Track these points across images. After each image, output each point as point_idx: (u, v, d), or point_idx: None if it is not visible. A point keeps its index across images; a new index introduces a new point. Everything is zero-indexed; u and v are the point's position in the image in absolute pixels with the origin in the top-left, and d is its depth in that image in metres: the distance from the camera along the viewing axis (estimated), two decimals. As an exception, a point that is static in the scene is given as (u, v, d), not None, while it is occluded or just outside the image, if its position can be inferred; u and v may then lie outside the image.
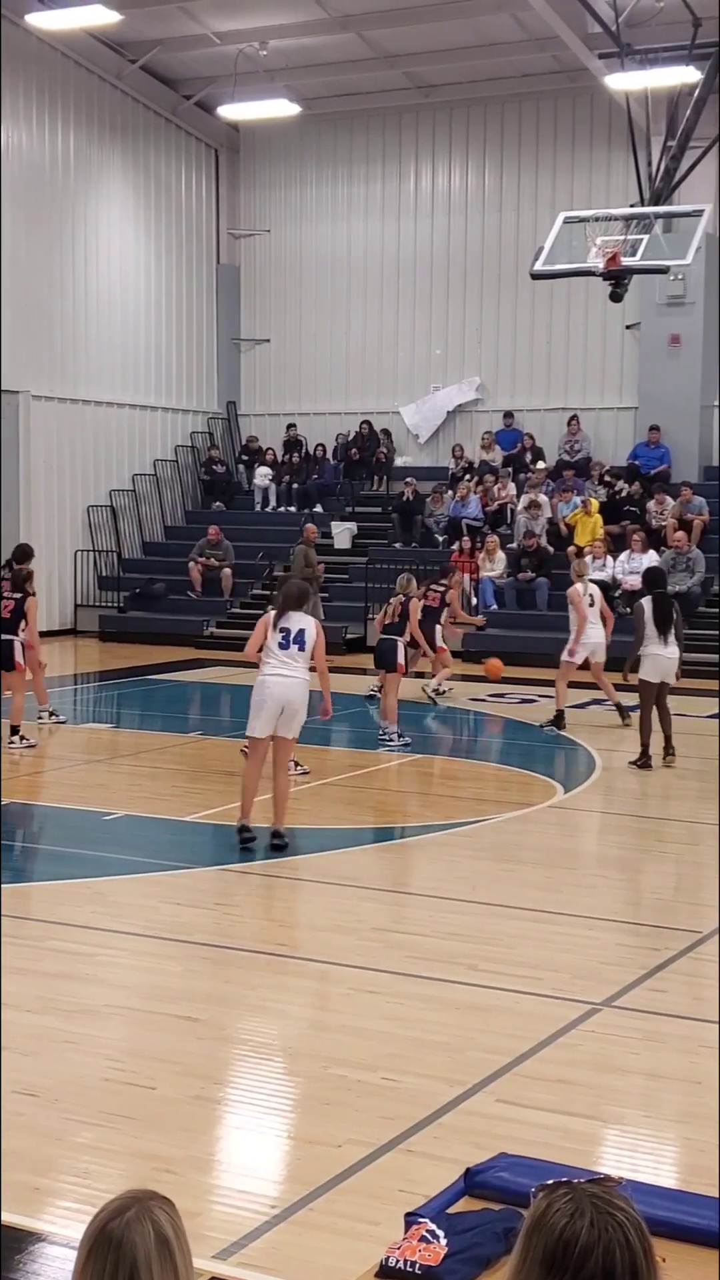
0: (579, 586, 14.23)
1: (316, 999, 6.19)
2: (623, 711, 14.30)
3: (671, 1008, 6.19)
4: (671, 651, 12.00)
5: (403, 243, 24.50)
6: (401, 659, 13.10)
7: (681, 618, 12.44)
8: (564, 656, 14.12)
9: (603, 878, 8.74)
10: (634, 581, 19.50)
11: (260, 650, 8.99)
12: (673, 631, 11.97)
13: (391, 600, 13.68)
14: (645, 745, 12.10)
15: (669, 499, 20.88)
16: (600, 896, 8.27)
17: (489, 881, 8.44)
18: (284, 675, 8.88)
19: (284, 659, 8.92)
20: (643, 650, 12.04)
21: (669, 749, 12.34)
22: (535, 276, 15.16)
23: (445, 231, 24.16)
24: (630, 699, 13.22)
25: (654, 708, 12.13)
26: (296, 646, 8.93)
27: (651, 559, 19.89)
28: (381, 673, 13.65)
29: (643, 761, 12.06)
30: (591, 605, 14.14)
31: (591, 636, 14.06)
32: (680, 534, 19.88)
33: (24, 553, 14.05)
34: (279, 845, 8.91)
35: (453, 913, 7.66)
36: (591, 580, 19.61)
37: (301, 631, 8.95)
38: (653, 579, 12.65)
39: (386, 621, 13.38)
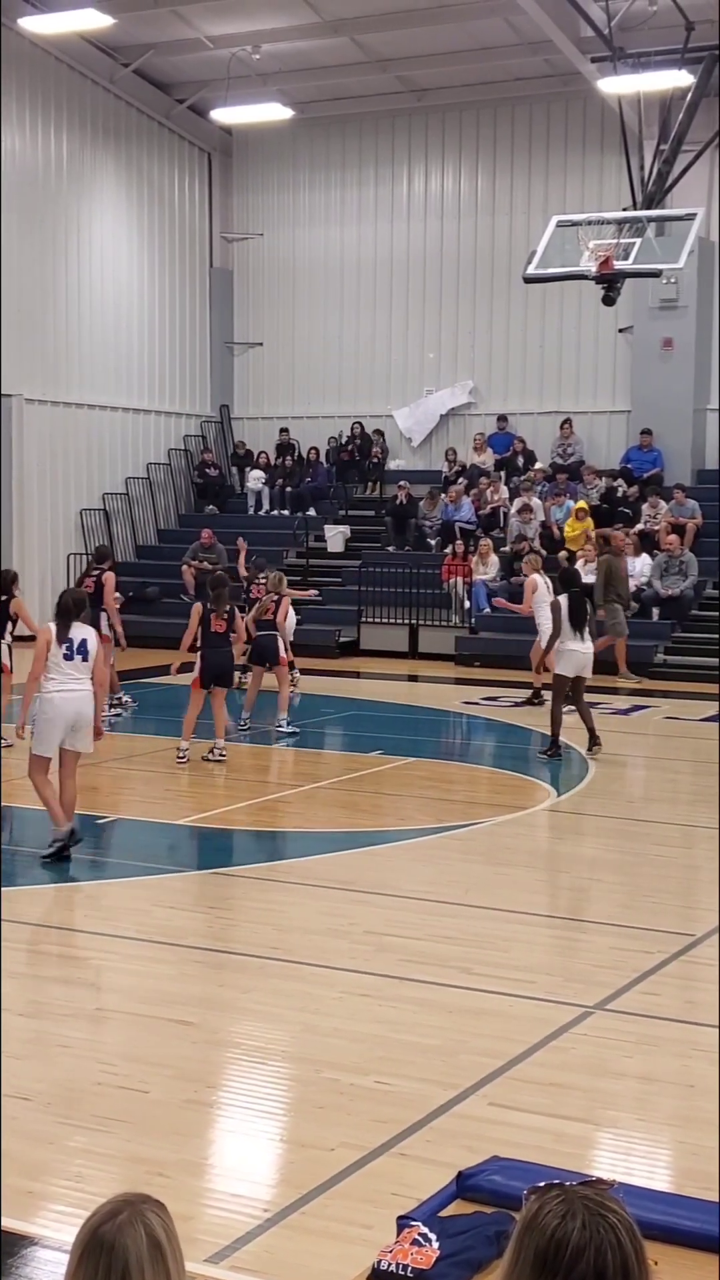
0: (536, 577, 15.28)
1: (309, 1003, 6.19)
2: (536, 694, 15.45)
3: (665, 1011, 6.19)
4: (586, 647, 12.46)
5: (395, 246, 24.53)
6: (284, 652, 13.46)
7: (592, 616, 12.90)
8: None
9: (596, 881, 8.75)
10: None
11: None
12: (587, 628, 12.48)
13: (264, 599, 13.88)
14: (555, 735, 12.57)
15: (662, 502, 20.91)
16: (593, 900, 8.27)
17: (482, 885, 8.45)
18: (72, 690, 8.58)
19: (69, 671, 8.59)
20: (559, 646, 12.42)
21: (594, 740, 12.64)
22: (528, 280, 15.18)
23: (438, 235, 24.18)
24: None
25: (565, 701, 12.54)
26: (80, 657, 8.62)
27: (645, 561, 19.94)
28: (256, 669, 14.00)
29: (553, 751, 12.51)
30: (550, 592, 14.79)
31: (579, 650, 14.47)
32: (673, 537, 19.92)
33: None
34: (67, 846, 8.62)
35: (445, 916, 7.66)
36: (585, 582, 19.78)
37: (84, 641, 8.65)
38: (568, 578, 13.27)
39: (264, 618, 13.63)
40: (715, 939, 7.32)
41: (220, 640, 12.29)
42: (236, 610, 12.50)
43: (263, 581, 14.53)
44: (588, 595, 13.37)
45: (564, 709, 12.55)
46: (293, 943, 7.18)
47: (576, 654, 12.33)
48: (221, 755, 12.16)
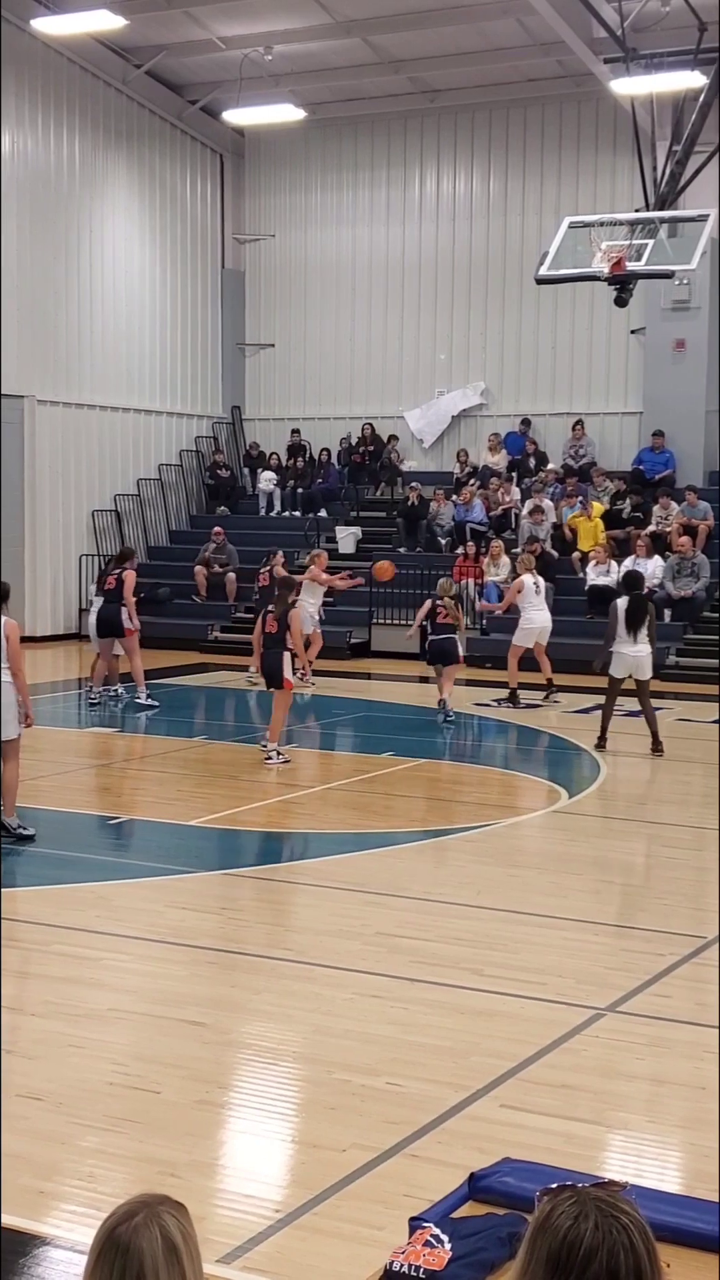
0: (526, 578, 16.07)
1: (320, 1004, 6.21)
2: (550, 689, 15.94)
3: (676, 1013, 6.19)
4: (638, 650, 12.57)
5: (407, 247, 24.53)
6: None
7: (654, 619, 13.04)
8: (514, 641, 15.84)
9: (607, 883, 8.75)
10: (639, 587, 19.51)
11: None
12: (644, 631, 12.56)
13: (446, 600, 14.16)
14: (603, 730, 12.94)
15: (673, 504, 20.89)
16: (604, 901, 8.28)
17: (493, 886, 8.46)
18: None
19: None
20: (613, 648, 12.59)
21: (656, 745, 12.75)
22: (540, 281, 15.19)
23: (450, 236, 24.19)
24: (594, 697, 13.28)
25: (615, 700, 12.89)
26: None
27: (657, 563, 19.91)
28: (437, 668, 14.57)
29: (599, 743, 12.89)
30: (537, 593, 16.07)
31: (536, 621, 15.92)
32: (685, 539, 19.89)
33: None
34: (21, 836, 8.92)
35: (456, 918, 7.68)
36: (596, 585, 19.82)
37: None
38: (631, 581, 13.35)
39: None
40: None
41: (271, 641, 12.36)
42: (289, 613, 12.32)
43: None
44: (650, 598, 13.49)
45: (614, 708, 12.90)
46: (304, 944, 7.20)
47: (626, 656, 12.50)
48: (272, 758, 12.08)
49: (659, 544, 20.38)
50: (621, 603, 12.61)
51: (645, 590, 13.37)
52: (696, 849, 9.81)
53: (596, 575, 19.96)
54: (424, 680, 18.84)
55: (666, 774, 12.41)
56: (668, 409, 21.76)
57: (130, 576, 15.42)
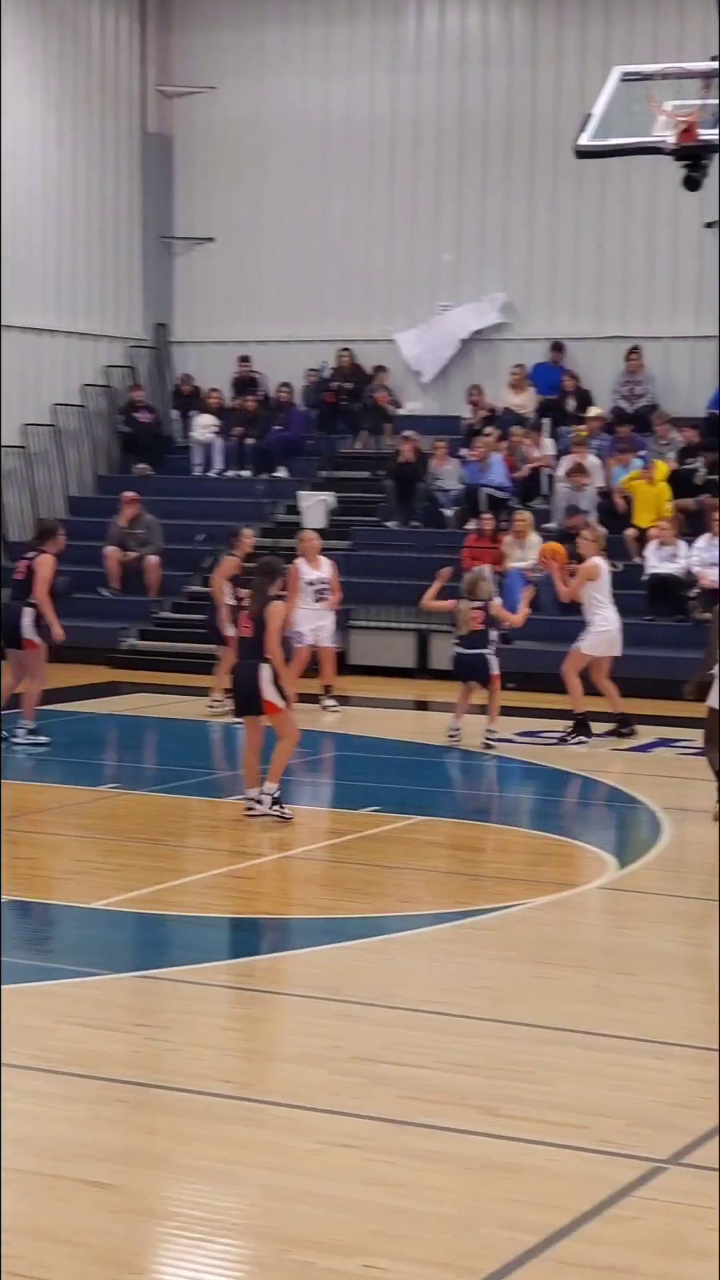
0: (600, 560, 16.15)
1: (275, 1156, 6.21)
2: (622, 724, 16.18)
3: (765, 1168, 6.23)
4: None
5: (399, 106, 24.62)
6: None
7: None
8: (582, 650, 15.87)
9: (673, 987, 8.78)
10: (715, 575, 19.60)
11: None
12: None
13: (462, 606, 14.06)
14: None
15: (766, 462, 21.00)
16: (669, 1013, 8.30)
17: (516, 991, 8.45)
18: None
19: None
20: (717, 670, 12.29)
21: None
22: (582, 154, 15.21)
23: (457, 90, 24.29)
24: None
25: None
26: None
27: (743, 545, 20.01)
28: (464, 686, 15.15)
29: None
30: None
31: (613, 622, 16.12)
32: (781, 511, 20.00)
33: None
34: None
35: (465, 1035, 7.68)
36: (659, 573, 19.88)
37: None
38: None
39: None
40: None
41: (245, 650, 12.19)
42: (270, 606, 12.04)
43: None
44: None
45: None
46: (253, 1073, 7.19)
47: None
48: (255, 807, 12.14)
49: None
50: None
51: None
52: None
53: (660, 560, 20.06)
54: (421, 706, 18.80)
55: None
56: (758, 331, 21.87)
57: (45, 563, 15.17)
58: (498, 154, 24.12)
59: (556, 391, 23.47)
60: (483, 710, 15.92)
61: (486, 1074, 7.17)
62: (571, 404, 23.20)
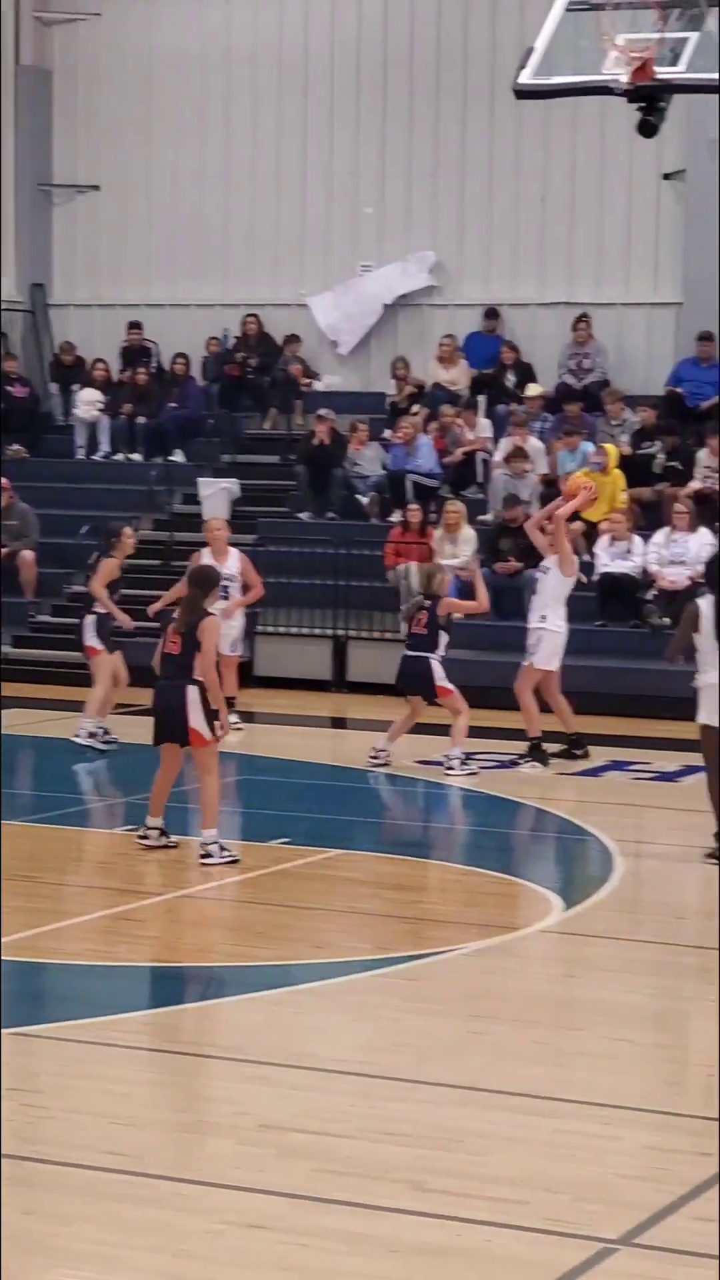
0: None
1: (169, 1239, 6.16)
2: (575, 744, 16.18)
3: (731, 1248, 6.25)
4: None
5: (312, 36, 24.61)
6: (199, 721, 11.96)
7: None
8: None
9: (625, 1043, 8.78)
10: (676, 575, 19.70)
11: None
12: None
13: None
14: None
15: (730, 447, 21.14)
16: (621, 1072, 8.31)
17: (446, 1050, 8.42)
18: None
19: None
20: (700, 680, 12.31)
21: None
22: (522, 94, 15.25)
23: (380, 20, 24.31)
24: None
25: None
26: None
27: (704, 540, 20.10)
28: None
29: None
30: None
31: (563, 630, 15.98)
32: (749, 502, 20.15)
33: None
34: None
35: (389, 1099, 7.65)
36: (612, 573, 19.95)
37: None
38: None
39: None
40: None
41: (171, 668, 12.10)
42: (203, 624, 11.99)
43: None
44: None
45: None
46: (144, 1144, 7.14)
47: None
48: (212, 855, 12.04)
49: (708, 510, 20.59)
50: (708, 605, 12.26)
51: None
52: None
53: (612, 558, 20.12)
54: (338, 724, 18.79)
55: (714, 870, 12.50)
56: (721, 298, 22.02)
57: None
58: (426, 93, 24.13)
59: (493, 365, 23.49)
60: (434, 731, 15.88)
61: (413, 1144, 7.13)
62: (510, 379, 23.22)
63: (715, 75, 14.43)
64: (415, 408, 22.98)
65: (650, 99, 14.54)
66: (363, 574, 21.20)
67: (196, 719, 11.90)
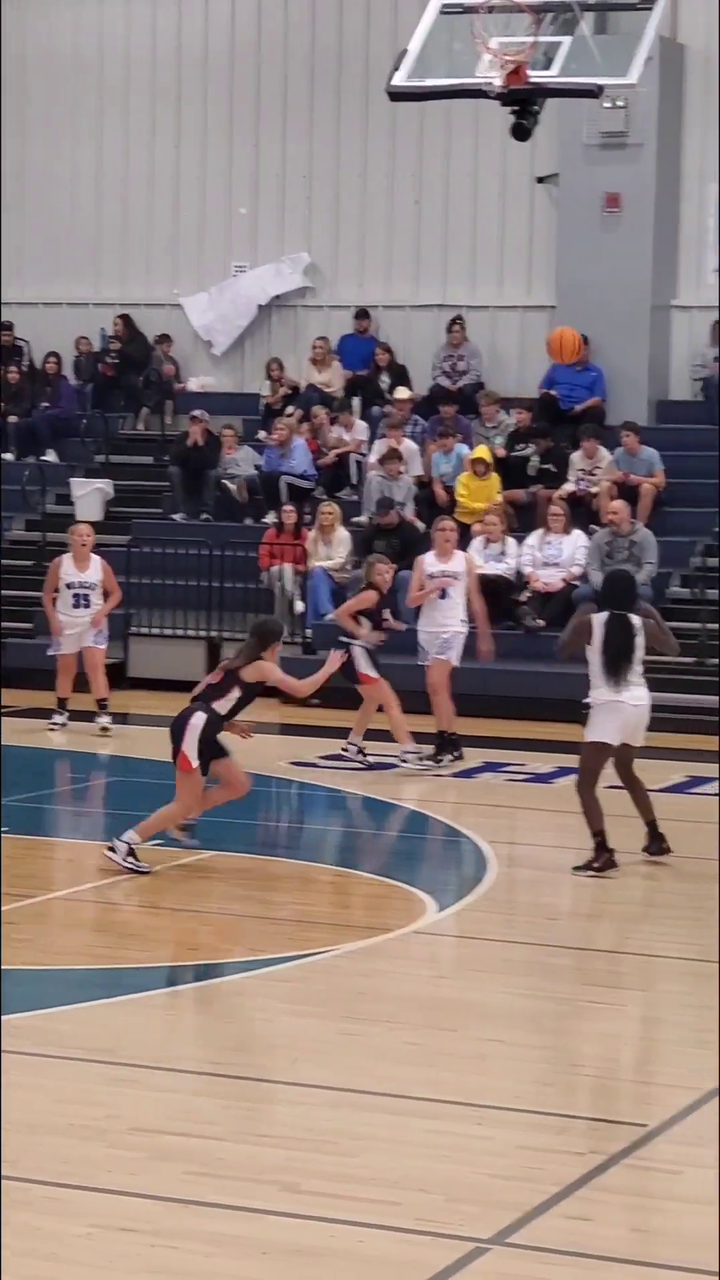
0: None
1: (40, 1242, 6.11)
2: (448, 746, 16.05)
3: (600, 1245, 6.26)
4: (635, 697, 12.39)
5: (186, 35, 24.58)
6: (191, 749, 12.01)
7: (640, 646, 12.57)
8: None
9: (498, 1043, 8.81)
10: (550, 576, 19.84)
11: None
12: (636, 668, 12.40)
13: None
14: (599, 836, 12.26)
15: (603, 450, 21.27)
16: (494, 1073, 8.34)
17: (319, 1051, 8.43)
18: None
19: None
20: (593, 697, 12.41)
21: (655, 839, 12.65)
22: (396, 96, 15.29)
23: (253, 19, 24.30)
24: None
25: (596, 782, 12.43)
26: None
27: (578, 542, 20.23)
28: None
29: (601, 861, 12.24)
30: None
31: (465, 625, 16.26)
32: (619, 504, 20.26)
33: None
34: None
35: (261, 1101, 7.66)
36: (485, 574, 20.04)
37: None
38: (617, 587, 12.82)
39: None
40: (690, 1125, 7.46)
41: (203, 694, 12.28)
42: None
43: None
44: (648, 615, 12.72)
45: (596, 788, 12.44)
46: (13, 1148, 7.08)
47: (624, 707, 12.29)
48: (115, 854, 12.01)
49: (581, 512, 20.73)
50: (599, 621, 12.34)
51: (637, 603, 12.74)
52: (642, 988, 9.96)
53: (487, 560, 20.20)
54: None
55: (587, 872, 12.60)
56: (593, 301, 22.15)
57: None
58: (300, 93, 24.15)
59: (367, 367, 23.54)
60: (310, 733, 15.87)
61: (286, 1145, 7.12)
62: (385, 381, 23.28)
63: (588, 79, 14.55)
64: (289, 409, 22.99)
65: (523, 102, 14.61)
66: (237, 575, 21.18)
67: (189, 743, 11.87)
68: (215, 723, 11.99)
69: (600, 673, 12.30)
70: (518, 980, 10.01)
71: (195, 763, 11.91)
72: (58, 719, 17.53)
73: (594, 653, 12.33)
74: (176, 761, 11.96)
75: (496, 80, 14.22)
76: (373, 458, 21.91)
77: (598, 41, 14.82)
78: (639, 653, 12.37)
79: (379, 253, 24.06)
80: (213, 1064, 8.18)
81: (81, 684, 17.88)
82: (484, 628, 16.40)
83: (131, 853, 11.87)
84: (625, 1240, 6.38)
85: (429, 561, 16.27)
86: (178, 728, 11.97)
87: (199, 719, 11.91)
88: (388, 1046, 8.61)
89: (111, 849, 11.88)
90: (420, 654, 16.22)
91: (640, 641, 12.35)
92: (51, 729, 17.45)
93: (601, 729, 12.37)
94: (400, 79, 14.87)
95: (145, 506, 22.99)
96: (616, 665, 12.24)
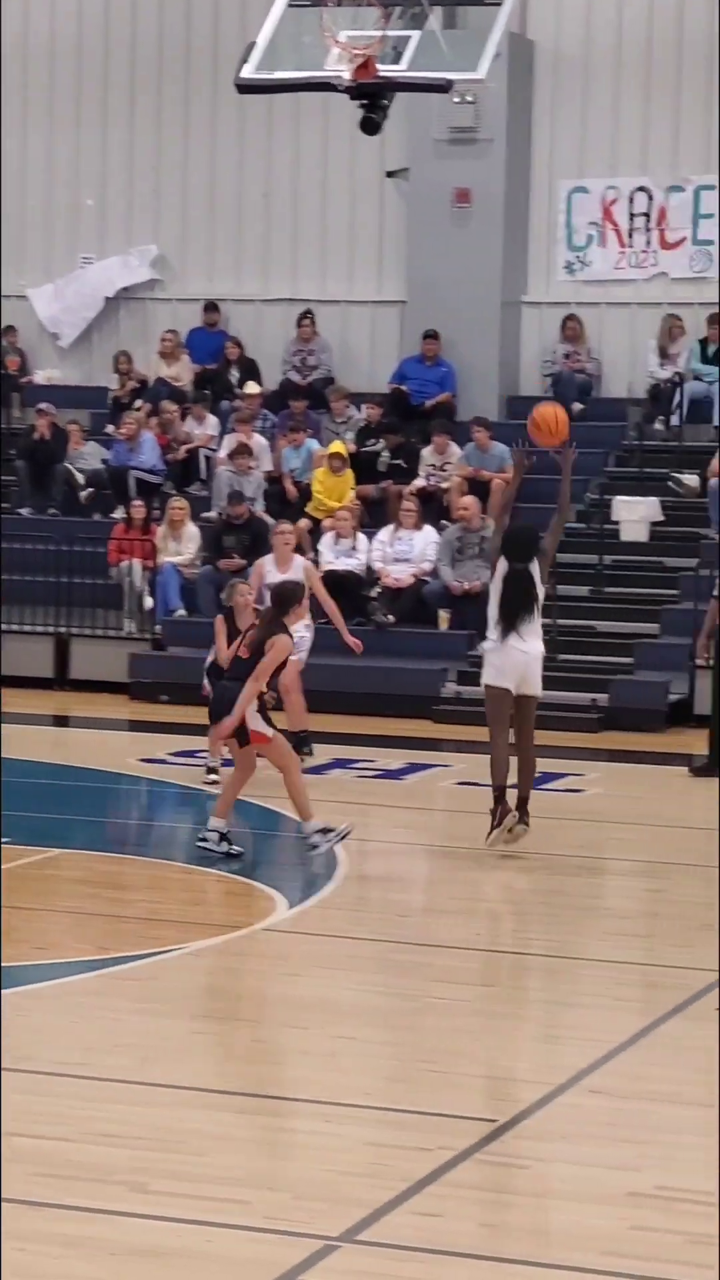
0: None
1: None
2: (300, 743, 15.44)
3: (450, 1241, 6.28)
4: (528, 646, 12.62)
5: (31, 23, 24.43)
6: (258, 722, 12.37)
7: (539, 600, 12.84)
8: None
9: (347, 1040, 8.82)
10: (401, 573, 19.92)
11: None
12: (535, 619, 12.68)
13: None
14: (498, 790, 12.49)
15: (454, 446, 21.37)
16: (342, 1070, 8.34)
17: (167, 1050, 8.41)
18: None
19: None
20: (489, 643, 12.77)
21: (519, 808, 12.67)
22: (244, 88, 15.27)
23: (101, 8, 24.21)
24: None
25: (506, 729, 12.73)
26: None
27: (429, 538, 20.32)
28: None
29: (499, 814, 12.46)
30: None
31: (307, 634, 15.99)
32: (470, 500, 20.38)
33: None
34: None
35: (108, 1101, 7.61)
36: (335, 570, 20.10)
37: None
38: (519, 541, 13.04)
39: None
40: (539, 1120, 7.50)
41: (239, 669, 12.50)
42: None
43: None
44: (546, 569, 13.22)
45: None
46: None
47: (514, 653, 12.58)
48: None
49: (432, 508, 20.81)
50: (501, 575, 12.71)
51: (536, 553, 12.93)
52: (485, 984, 9.99)
53: (336, 555, 20.24)
54: (61, 722, 18.67)
55: (441, 866, 12.65)
56: (443, 296, 22.29)
57: None
58: (148, 84, 24.09)
59: (217, 361, 23.50)
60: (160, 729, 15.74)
61: (133, 1145, 7.09)
62: (234, 375, 23.26)
63: (437, 74, 14.61)
64: (138, 403, 22.93)
65: (373, 96, 14.67)
66: (85, 571, 21.07)
67: (254, 720, 12.15)
68: (260, 697, 12.37)
69: (496, 623, 12.63)
70: (367, 977, 10.04)
71: (270, 731, 12.33)
72: None
73: (492, 604, 12.67)
74: (242, 740, 12.25)
75: (345, 74, 14.26)
76: (222, 452, 21.89)
77: (447, 36, 14.88)
78: (537, 605, 12.70)
79: (228, 246, 24.03)
80: (59, 1064, 8.12)
81: None
82: (340, 625, 16.29)
83: (224, 838, 12.27)
84: (475, 1235, 6.41)
85: (268, 570, 16.07)
86: (227, 709, 12.25)
87: (248, 694, 12.18)
88: (235, 1044, 8.62)
89: (203, 839, 12.29)
90: None
91: (539, 593, 12.70)
92: None
93: (495, 672, 12.69)
94: (249, 71, 14.88)
95: (-8, 501, 22.83)
96: (514, 616, 12.54)
